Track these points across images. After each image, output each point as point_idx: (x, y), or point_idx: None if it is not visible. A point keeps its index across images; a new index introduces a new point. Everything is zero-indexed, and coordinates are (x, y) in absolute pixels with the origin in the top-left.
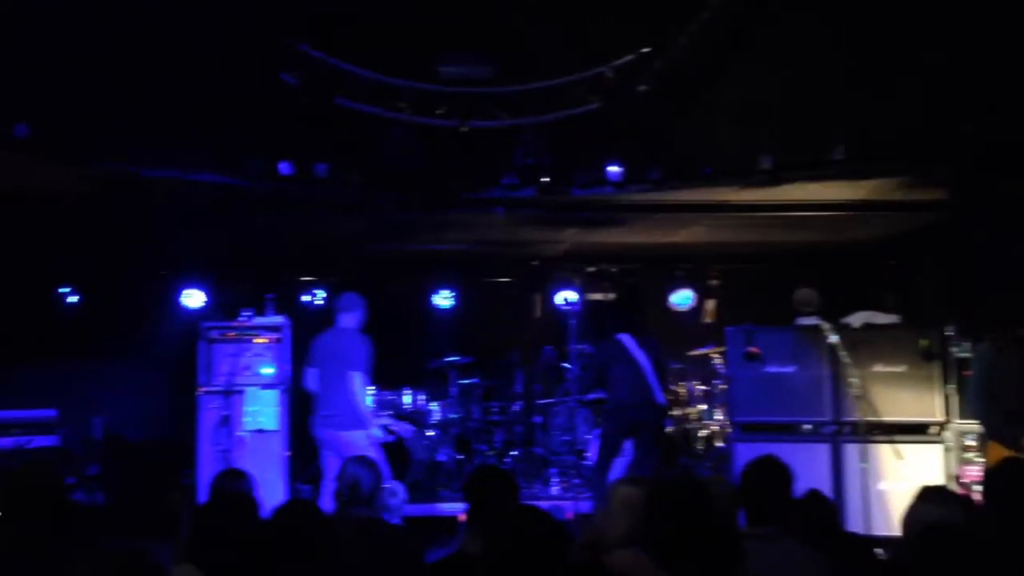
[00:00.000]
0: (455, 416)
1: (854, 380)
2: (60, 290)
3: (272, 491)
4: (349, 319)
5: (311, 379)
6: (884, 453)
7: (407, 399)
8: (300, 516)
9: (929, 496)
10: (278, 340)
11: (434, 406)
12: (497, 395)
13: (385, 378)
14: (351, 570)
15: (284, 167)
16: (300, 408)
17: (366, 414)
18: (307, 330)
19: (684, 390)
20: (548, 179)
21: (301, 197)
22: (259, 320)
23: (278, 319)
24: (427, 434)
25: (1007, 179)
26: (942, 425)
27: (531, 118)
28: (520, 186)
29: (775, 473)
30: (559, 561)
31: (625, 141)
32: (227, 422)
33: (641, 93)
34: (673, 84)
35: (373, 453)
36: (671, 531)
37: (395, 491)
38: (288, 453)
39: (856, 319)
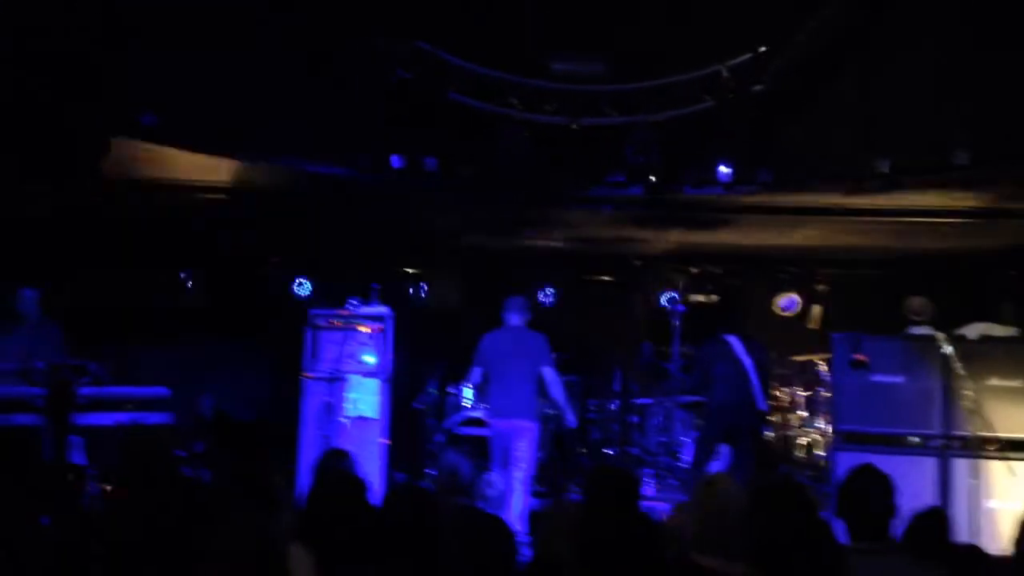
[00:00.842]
0: (551, 412)
1: (968, 393)
2: (181, 275)
3: (370, 477)
4: (519, 319)
5: (476, 375)
6: (995, 470)
7: None
8: (415, 501)
9: None
10: (381, 330)
11: None
12: (595, 393)
13: None
14: (451, 558)
15: (395, 160)
16: (399, 397)
17: (566, 403)
18: (409, 321)
19: (787, 396)
20: (656, 178)
21: (410, 190)
22: (364, 310)
23: (382, 309)
24: None
25: None
26: None
27: (642, 116)
28: (628, 184)
29: (877, 483)
30: (657, 562)
31: (737, 141)
32: (330, 408)
33: (756, 93)
34: (789, 84)
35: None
36: (775, 537)
37: (492, 481)
38: (387, 441)
39: (972, 331)
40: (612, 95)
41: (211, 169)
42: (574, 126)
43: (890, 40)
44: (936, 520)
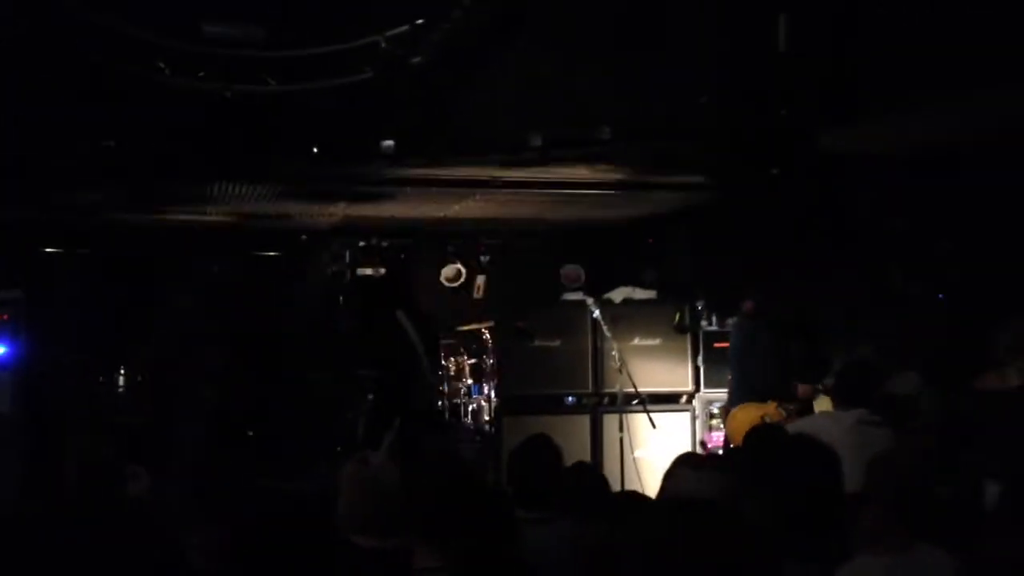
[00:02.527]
0: None
1: (614, 353)
2: None
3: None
4: None
5: None
6: (640, 422)
7: None
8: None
9: (688, 461)
10: (7, 317)
11: None
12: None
13: None
14: None
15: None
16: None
17: None
18: (49, 307)
19: (453, 365)
20: (318, 149)
21: (44, 157)
22: None
23: (11, 294)
24: None
25: (759, 167)
26: (691, 395)
27: (301, 85)
28: (290, 155)
29: (545, 454)
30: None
31: (399, 114)
32: None
33: (415, 65)
34: (448, 57)
35: None
36: (438, 510)
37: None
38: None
39: (617, 294)
40: (269, 62)
41: None
42: (228, 93)
43: (544, 17)
44: (588, 476)
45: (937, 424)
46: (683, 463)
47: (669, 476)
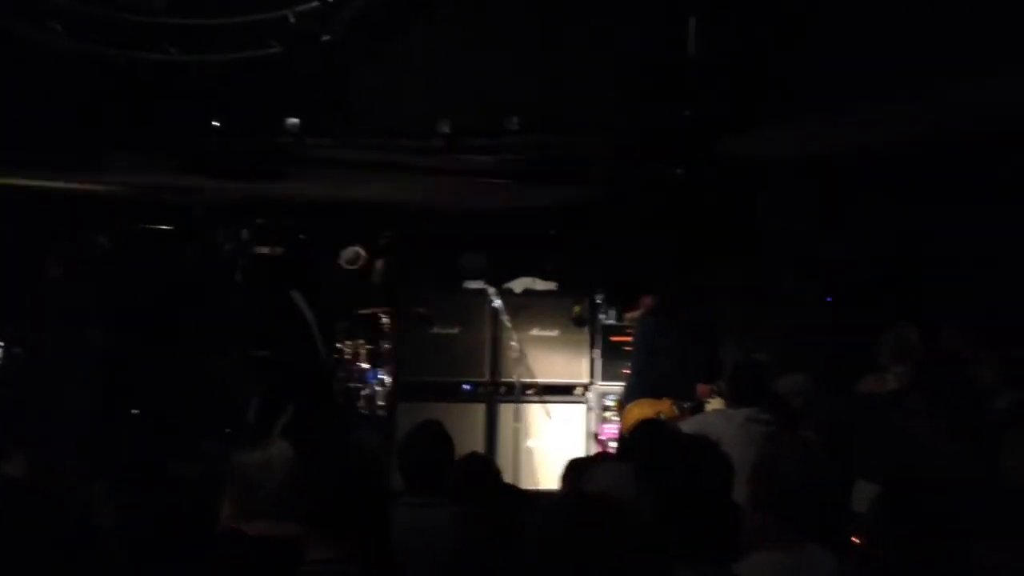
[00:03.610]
0: None
1: (512, 343)
2: None
3: None
4: None
5: None
6: (534, 412)
7: None
8: None
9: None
10: None
11: None
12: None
13: None
14: None
15: None
16: None
17: None
18: None
19: (350, 349)
20: (219, 124)
21: None
22: None
23: None
24: None
25: (658, 162)
26: (587, 387)
27: (205, 56)
28: (189, 129)
29: (435, 439)
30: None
31: (306, 91)
32: None
33: (325, 42)
34: (359, 36)
35: None
36: (334, 500)
37: None
38: None
39: (518, 284)
40: (170, 29)
41: None
42: (121, 60)
43: (454, 5)
44: (478, 464)
45: (820, 425)
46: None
47: (585, 468)
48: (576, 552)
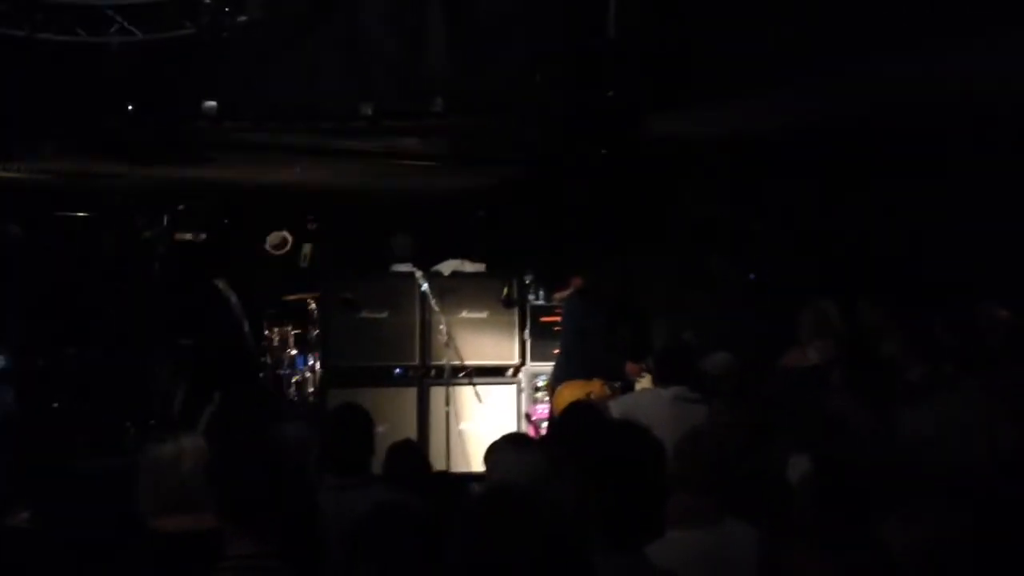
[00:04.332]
0: None
1: (441, 327)
2: None
3: None
4: None
5: None
6: (466, 395)
7: None
8: None
9: (512, 441)
10: None
11: None
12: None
13: None
14: None
15: None
16: None
17: None
18: None
19: (277, 335)
20: (133, 107)
21: None
22: None
23: None
24: None
25: (587, 146)
26: (517, 368)
27: (117, 37)
28: (103, 112)
29: (356, 421)
30: None
31: (223, 74)
32: None
33: (240, 24)
34: (276, 17)
35: None
36: (249, 492)
37: None
38: None
39: (446, 267)
40: (81, 10)
41: None
42: (31, 42)
43: None
44: (408, 451)
45: (744, 400)
46: (507, 442)
47: (491, 453)
48: (493, 551)
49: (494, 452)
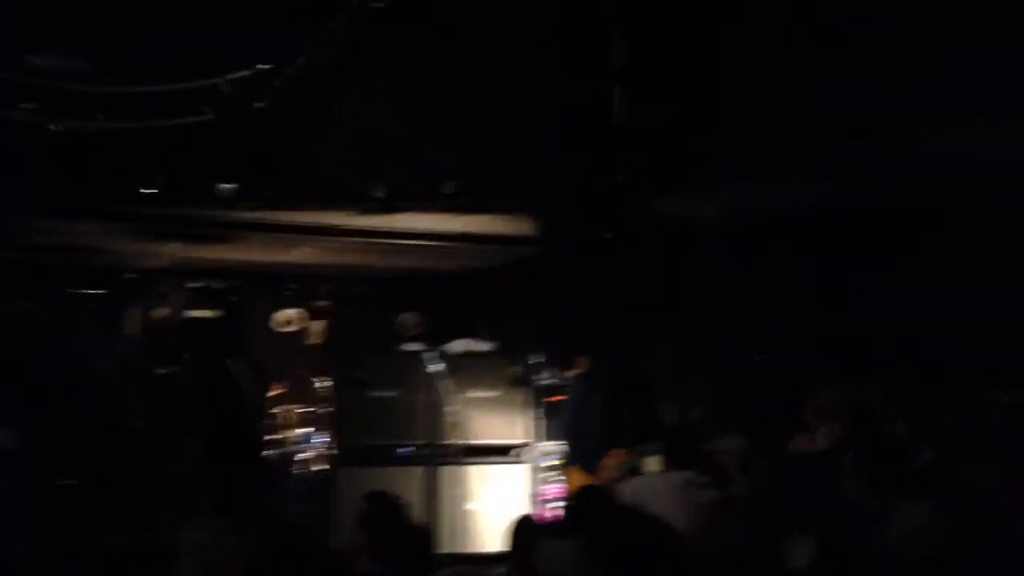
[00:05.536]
0: None
1: (450, 407)
2: None
3: None
4: None
5: None
6: (474, 475)
7: None
8: None
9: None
10: None
11: None
12: None
13: None
14: None
15: None
16: None
17: None
18: None
19: (286, 413)
20: (151, 190)
21: None
22: None
23: None
24: None
25: (594, 224)
26: (525, 447)
27: (134, 123)
28: (118, 194)
29: (395, 509)
30: None
31: (239, 157)
32: None
33: (257, 109)
34: (291, 103)
35: None
36: None
37: None
38: None
39: (456, 346)
40: (99, 97)
41: None
42: (52, 127)
43: (385, 68)
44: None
45: (753, 486)
46: (542, 532)
47: (527, 542)
48: None
49: (533, 538)
